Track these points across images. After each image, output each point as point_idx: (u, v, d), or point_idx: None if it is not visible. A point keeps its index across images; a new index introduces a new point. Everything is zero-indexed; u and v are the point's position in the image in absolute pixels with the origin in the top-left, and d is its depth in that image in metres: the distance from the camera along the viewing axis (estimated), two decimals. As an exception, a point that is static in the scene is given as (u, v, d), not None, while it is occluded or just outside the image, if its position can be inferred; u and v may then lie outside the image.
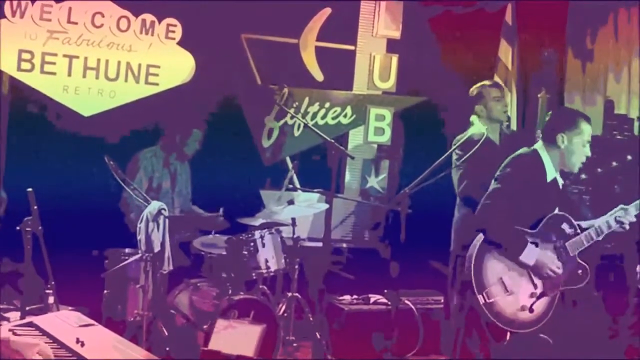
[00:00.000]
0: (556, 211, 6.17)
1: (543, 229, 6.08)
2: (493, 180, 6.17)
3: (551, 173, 6.17)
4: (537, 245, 6.02)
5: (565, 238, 6.10)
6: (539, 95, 6.99)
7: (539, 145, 6.21)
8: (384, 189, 9.88)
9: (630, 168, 7.94)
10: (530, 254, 5.96)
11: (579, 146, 6.11)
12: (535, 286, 6.06)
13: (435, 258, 7.89)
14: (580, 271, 6.14)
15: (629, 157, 9.40)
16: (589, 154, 6.18)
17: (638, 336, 7.12)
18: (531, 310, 6.03)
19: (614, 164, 9.36)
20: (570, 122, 6.17)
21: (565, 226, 6.09)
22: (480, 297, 5.96)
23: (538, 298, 6.04)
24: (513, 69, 9.82)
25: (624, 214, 6.11)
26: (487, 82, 7.61)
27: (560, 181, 6.29)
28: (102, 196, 7.89)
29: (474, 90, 7.60)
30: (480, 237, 6.06)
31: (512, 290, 6.01)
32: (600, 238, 6.13)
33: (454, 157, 7.18)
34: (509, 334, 6.12)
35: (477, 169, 7.10)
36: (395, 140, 9.87)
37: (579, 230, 6.12)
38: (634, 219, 6.14)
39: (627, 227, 6.15)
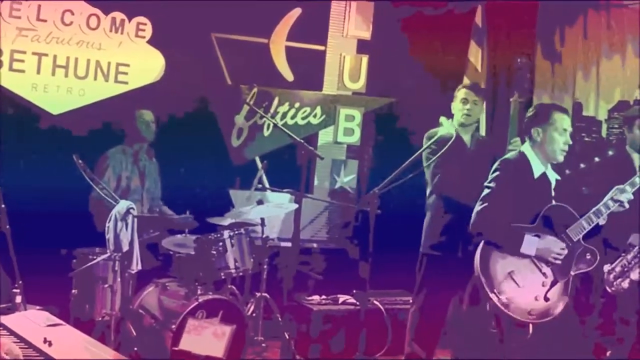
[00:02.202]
0: (552, 202, 6.26)
1: (542, 221, 6.17)
2: (484, 187, 6.26)
3: (538, 169, 6.28)
4: (539, 237, 6.13)
5: (566, 226, 6.20)
6: (511, 100, 7.00)
7: (525, 147, 6.37)
8: (354, 189, 9.89)
9: (598, 170, 7.98)
10: (530, 245, 6.07)
11: (554, 135, 6.25)
12: (545, 275, 6.16)
13: (405, 258, 7.89)
14: (588, 254, 6.25)
15: (597, 159, 9.47)
16: (569, 141, 6.31)
17: (605, 336, 7.15)
18: (546, 299, 6.14)
19: (582, 165, 9.42)
20: (543, 115, 6.33)
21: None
22: (493, 296, 6.03)
23: (551, 286, 6.15)
24: (482, 71, 9.85)
25: (619, 194, 6.19)
26: (465, 83, 7.60)
27: (555, 176, 6.41)
28: (71, 195, 7.84)
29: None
30: (480, 246, 6.16)
31: (524, 284, 6.10)
32: (600, 220, 6.23)
33: (425, 153, 7.17)
34: (531, 326, 6.19)
35: (449, 168, 7.13)
36: (365, 141, 9.90)
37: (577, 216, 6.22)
38: (632, 197, 6.26)
39: (627, 205, 6.27)
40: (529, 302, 6.11)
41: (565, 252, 6.14)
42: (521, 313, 6.08)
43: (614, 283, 6.79)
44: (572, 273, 6.23)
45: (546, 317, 6.16)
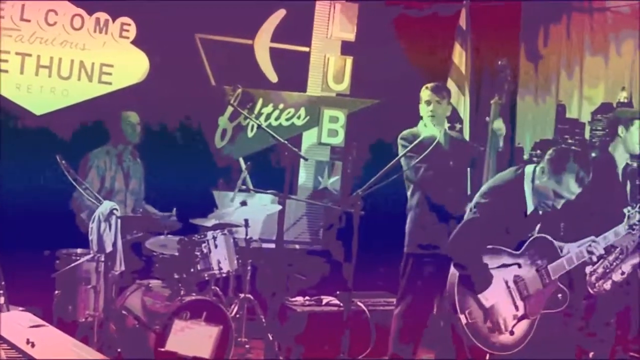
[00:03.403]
0: (537, 233, 6.20)
1: (526, 251, 6.10)
2: (472, 206, 6.15)
3: (531, 206, 6.14)
4: (520, 267, 6.06)
5: (549, 260, 6.13)
6: (491, 102, 7.01)
7: (528, 171, 6.14)
8: (337, 190, 9.90)
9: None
10: (490, 296, 5.95)
11: (569, 183, 5.97)
12: (517, 308, 6.06)
13: (389, 259, 7.90)
14: (560, 295, 6.17)
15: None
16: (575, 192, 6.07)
17: (588, 337, 7.18)
18: (512, 332, 6.04)
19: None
20: (561, 166, 5.99)
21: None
22: (462, 317, 5.94)
23: (519, 320, 6.06)
24: (467, 73, 9.87)
25: (594, 245, 6.16)
26: (429, 85, 7.59)
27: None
28: (54, 196, 7.82)
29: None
30: None
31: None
32: (578, 263, 6.16)
33: (401, 151, 7.18)
34: (488, 355, 6.12)
35: (429, 168, 7.15)
36: (349, 142, 9.91)
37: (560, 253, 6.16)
38: (603, 251, 6.23)
39: (595, 259, 6.23)
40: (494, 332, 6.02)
41: (507, 332, 6.00)
42: (484, 341, 5.97)
43: (596, 284, 6.81)
44: (542, 311, 6.13)
45: (506, 351, 6.05)
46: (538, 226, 6.24)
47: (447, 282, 6.06)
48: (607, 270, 6.82)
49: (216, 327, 5.85)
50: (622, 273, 6.85)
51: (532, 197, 6.10)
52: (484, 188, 6.28)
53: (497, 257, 6.04)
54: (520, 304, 6.06)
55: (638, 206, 6.32)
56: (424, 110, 7.43)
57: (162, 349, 6.03)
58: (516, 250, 6.10)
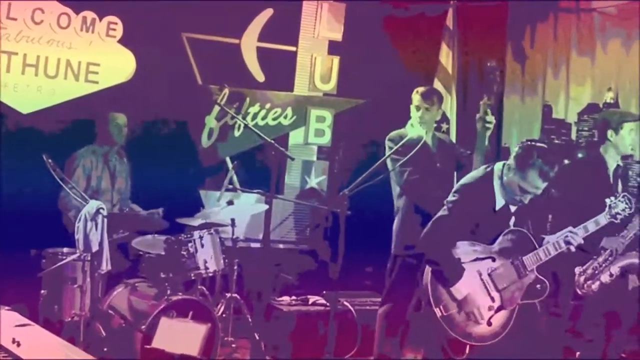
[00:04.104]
0: (512, 226, 6.17)
1: (500, 244, 6.09)
2: (444, 203, 6.14)
3: (500, 202, 6.12)
4: (494, 260, 6.05)
5: (523, 253, 6.10)
6: (480, 102, 7.00)
7: (497, 168, 6.13)
8: (324, 190, 9.91)
9: (570, 172, 8.00)
10: (463, 288, 5.95)
11: (535, 179, 5.95)
12: (492, 299, 6.05)
13: (375, 259, 7.91)
14: (538, 286, 6.13)
15: (567, 162, 9.51)
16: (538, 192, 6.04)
17: (576, 338, 7.21)
18: (489, 323, 6.04)
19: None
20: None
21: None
22: (437, 310, 5.95)
23: (496, 311, 6.05)
24: (454, 73, 9.89)
25: (572, 235, 6.13)
26: (420, 89, 7.59)
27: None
28: (40, 195, 7.81)
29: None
30: None
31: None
32: (556, 253, 6.10)
33: (391, 157, 7.19)
34: (468, 347, 6.13)
35: (416, 170, 7.16)
36: (336, 142, 9.91)
37: (536, 245, 6.12)
38: (582, 241, 6.15)
39: (573, 249, 6.13)
40: (472, 323, 6.02)
41: (484, 322, 6.01)
42: (462, 333, 5.99)
43: (584, 285, 6.83)
44: (520, 302, 6.11)
45: (485, 341, 6.05)
46: (512, 220, 6.21)
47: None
48: (596, 272, 6.84)
49: (204, 325, 5.84)
50: (611, 275, 6.86)
51: (501, 193, 6.10)
52: (456, 186, 6.29)
53: (471, 251, 6.06)
54: (495, 295, 6.05)
55: (621, 195, 6.31)
56: (413, 113, 7.44)
57: (148, 347, 6.02)
58: (490, 245, 6.09)
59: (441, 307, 5.97)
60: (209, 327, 5.85)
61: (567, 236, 6.11)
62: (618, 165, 7.15)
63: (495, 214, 6.13)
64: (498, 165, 6.16)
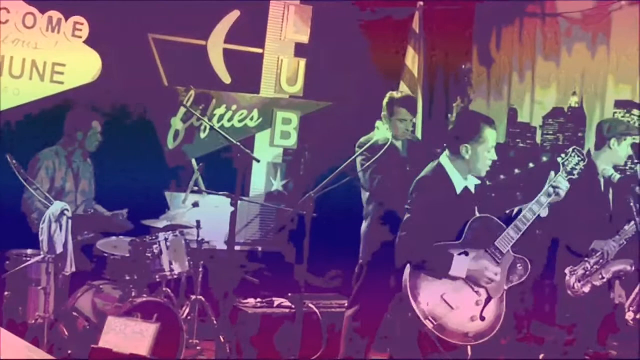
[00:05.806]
0: (476, 214, 6.09)
1: (468, 236, 5.97)
2: (405, 210, 6.06)
3: (460, 184, 6.07)
4: (467, 254, 5.93)
5: (493, 238, 6.00)
6: (454, 105, 7.04)
7: (443, 158, 6.12)
8: (290, 192, 9.90)
9: (532, 176, 8.06)
10: (460, 265, 5.86)
11: (483, 153, 6.01)
12: (478, 294, 5.97)
13: (340, 262, 7.92)
14: (519, 265, 6.07)
15: (531, 165, 9.57)
16: (495, 157, 6.08)
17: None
18: (482, 318, 5.97)
19: (517, 171, 9.53)
20: (473, 131, 6.04)
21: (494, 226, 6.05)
22: (428, 323, 5.82)
23: (485, 304, 5.98)
24: (419, 76, 9.91)
25: (557, 182, 6.04)
26: (396, 95, 7.59)
27: (474, 182, 6.18)
28: (4, 196, 7.76)
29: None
30: (408, 267, 5.91)
31: (457, 305, 5.89)
32: (528, 225, 5.99)
33: (359, 159, 7.20)
34: (469, 347, 6.10)
35: (386, 174, 7.17)
36: (302, 144, 9.91)
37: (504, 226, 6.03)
38: (568, 185, 6.02)
39: (563, 194, 6.02)
40: (465, 323, 5.92)
41: (498, 277, 5.95)
42: (458, 336, 5.89)
43: (575, 286, 6.86)
44: (506, 287, 6.05)
45: (485, 337, 5.97)
46: (476, 208, 6.19)
47: (401, 286, 6.01)
48: (587, 273, 6.88)
49: (154, 324, 5.80)
50: (602, 278, 6.91)
51: (457, 174, 6.07)
52: (410, 189, 6.17)
53: (442, 252, 5.95)
54: (480, 289, 5.97)
55: (572, 149, 6.16)
56: (385, 119, 7.43)
57: (95, 346, 5.94)
58: (457, 240, 5.98)
59: (430, 318, 5.83)
60: (159, 326, 5.81)
61: (534, 205, 6.02)
62: (607, 173, 7.18)
63: (459, 198, 6.08)
64: (444, 156, 6.14)
